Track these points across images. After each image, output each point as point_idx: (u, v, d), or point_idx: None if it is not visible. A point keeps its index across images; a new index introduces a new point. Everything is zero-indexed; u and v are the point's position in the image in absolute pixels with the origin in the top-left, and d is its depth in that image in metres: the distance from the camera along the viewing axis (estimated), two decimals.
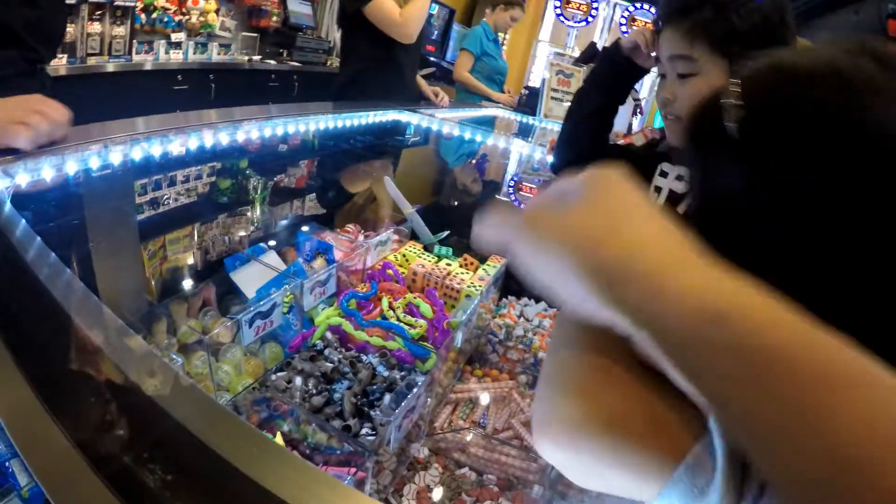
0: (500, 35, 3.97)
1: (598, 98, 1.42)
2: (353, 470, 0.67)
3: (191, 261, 1.17)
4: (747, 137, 0.47)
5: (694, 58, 1.01)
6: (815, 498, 0.24)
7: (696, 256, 0.31)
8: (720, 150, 0.49)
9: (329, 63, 4.77)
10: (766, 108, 0.48)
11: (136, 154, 1.17)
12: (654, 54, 1.26)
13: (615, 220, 0.32)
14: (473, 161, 2.26)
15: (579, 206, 0.34)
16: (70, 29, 2.97)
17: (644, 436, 0.37)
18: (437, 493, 0.83)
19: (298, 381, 0.77)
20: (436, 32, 6.42)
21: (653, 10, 6.37)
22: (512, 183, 1.94)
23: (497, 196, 1.88)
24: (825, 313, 0.28)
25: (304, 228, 1.09)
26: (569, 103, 2.80)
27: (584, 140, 1.43)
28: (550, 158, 1.85)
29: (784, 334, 0.26)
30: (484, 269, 1.11)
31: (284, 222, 1.44)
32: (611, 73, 1.41)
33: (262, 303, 0.81)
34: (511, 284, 1.30)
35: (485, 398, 1.01)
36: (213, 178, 1.48)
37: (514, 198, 1.79)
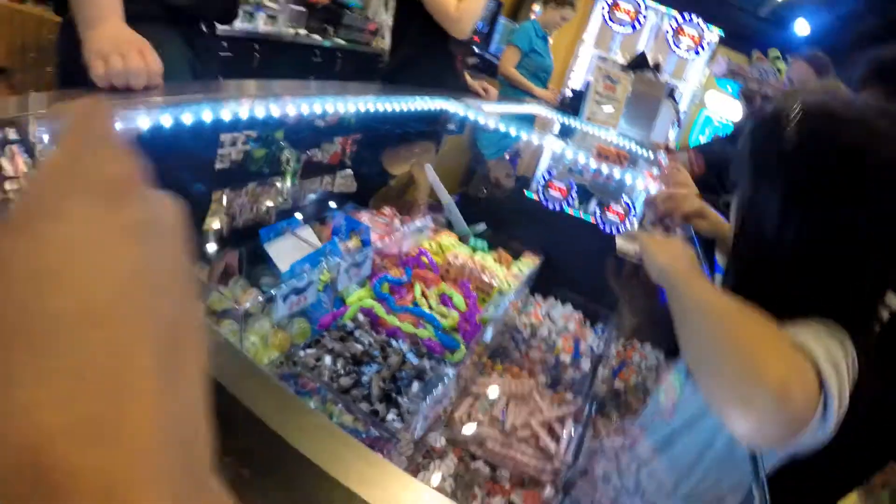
0: (548, 33, 3.93)
1: None
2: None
3: (217, 226, 1.17)
4: (794, 159, 0.68)
5: None
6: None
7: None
8: (772, 167, 0.70)
9: (375, 44, 4.76)
10: (811, 139, 0.67)
11: (171, 119, 1.15)
12: None
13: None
14: (513, 156, 2.24)
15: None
16: None
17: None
18: (450, 484, 0.82)
19: (328, 360, 0.77)
20: (481, 23, 6.37)
21: (700, 22, 6.26)
22: (542, 181, 1.92)
23: (528, 192, 1.86)
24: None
25: (340, 206, 1.09)
26: (612, 109, 2.78)
27: None
28: (594, 164, 1.83)
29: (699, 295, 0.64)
30: (518, 267, 1.10)
31: (320, 198, 1.44)
32: None
33: (298, 279, 0.81)
34: (540, 283, 1.29)
35: (504, 395, 1.01)
36: (248, 147, 1.47)
37: (542, 196, 1.77)
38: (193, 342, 0.20)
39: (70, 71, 1.13)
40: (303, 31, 4.18)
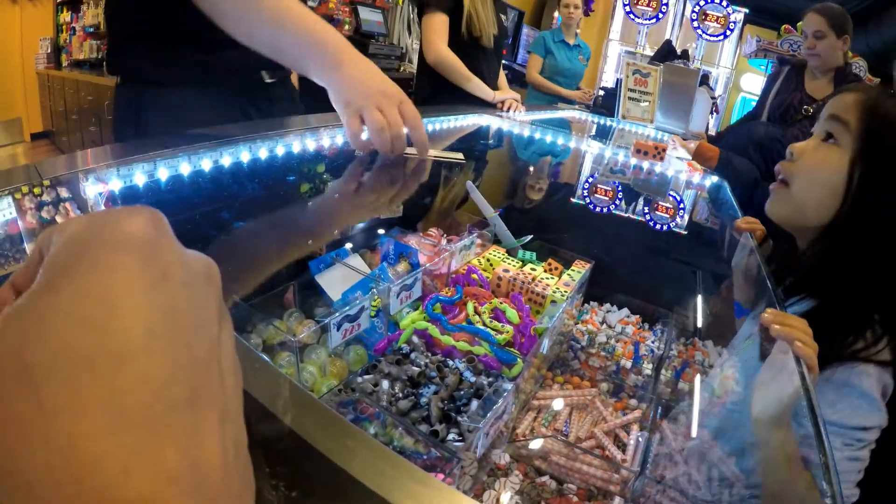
0: (566, 28, 3.96)
1: None
2: (439, 476, 0.66)
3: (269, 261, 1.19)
4: None
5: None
6: None
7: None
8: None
9: (402, 69, 4.83)
10: None
11: (217, 160, 1.18)
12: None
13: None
14: (552, 164, 2.23)
15: None
16: None
17: None
18: (517, 501, 0.81)
19: (385, 384, 0.77)
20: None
21: (724, 3, 6.09)
22: (587, 185, 1.90)
23: (571, 198, 1.83)
24: None
25: (387, 232, 1.10)
26: (646, 103, 2.73)
27: None
28: (634, 161, 1.80)
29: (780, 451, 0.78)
30: (569, 275, 1.08)
31: (366, 226, 1.45)
32: None
33: (349, 307, 0.82)
34: (594, 290, 1.27)
35: (566, 406, 0.99)
36: (293, 183, 1.50)
37: (588, 200, 1.75)
38: (228, 377, 0.21)
39: (127, 131, 1.14)
40: None
